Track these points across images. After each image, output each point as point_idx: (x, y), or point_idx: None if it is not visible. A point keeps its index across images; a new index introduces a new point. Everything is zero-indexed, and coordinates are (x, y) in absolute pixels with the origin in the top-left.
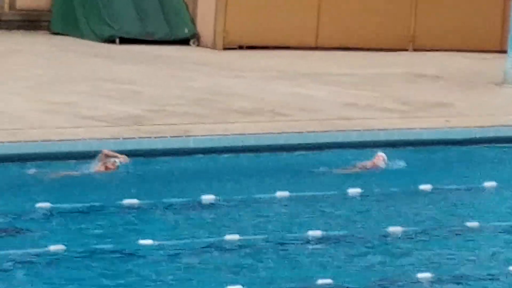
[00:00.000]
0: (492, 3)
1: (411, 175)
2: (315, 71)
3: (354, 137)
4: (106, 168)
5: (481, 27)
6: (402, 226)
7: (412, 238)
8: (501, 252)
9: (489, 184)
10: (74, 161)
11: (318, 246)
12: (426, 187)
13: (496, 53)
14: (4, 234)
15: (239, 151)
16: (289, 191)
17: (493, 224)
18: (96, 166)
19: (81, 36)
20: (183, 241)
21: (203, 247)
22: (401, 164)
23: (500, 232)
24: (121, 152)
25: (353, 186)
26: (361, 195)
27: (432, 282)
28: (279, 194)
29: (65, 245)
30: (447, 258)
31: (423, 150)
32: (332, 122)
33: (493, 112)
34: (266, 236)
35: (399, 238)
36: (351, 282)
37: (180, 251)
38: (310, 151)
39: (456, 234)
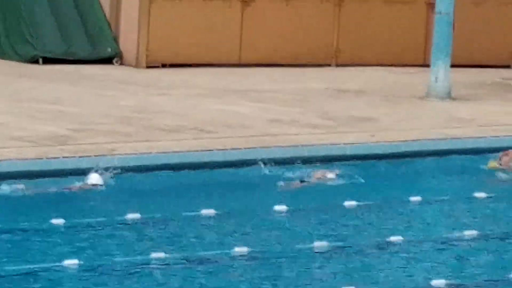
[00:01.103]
0: (415, 18)
1: (338, 190)
2: (239, 88)
3: (279, 153)
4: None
5: (404, 42)
6: (328, 241)
7: (336, 253)
8: (423, 265)
9: (415, 198)
10: None
11: (246, 262)
12: (351, 202)
13: (419, 67)
14: None
15: (163, 168)
16: (215, 209)
17: (418, 238)
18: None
19: (4, 57)
20: (105, 261)
21: (127, 266)
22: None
23: (423, 246)
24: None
25: (280, 203)
26: (287, 211)
27: None
28: (204, 211)
29: None
30: (368, 272)
31: (348, 165)
32: (257, 139)
33: (418, 126)
34: (190, 253)
35: (325, 253)
36: None
37: (106, 270)
38: (234, 167)
39: (379, 249)
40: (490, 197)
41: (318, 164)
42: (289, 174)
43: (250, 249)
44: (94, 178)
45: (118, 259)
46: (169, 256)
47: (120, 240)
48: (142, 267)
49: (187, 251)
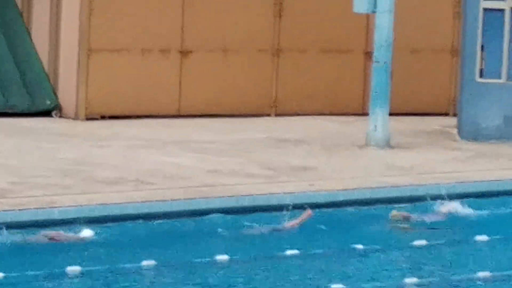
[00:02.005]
0: (353, 67)
1: (279, 238)
2: (179, 139)
3: (218, 204)
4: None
5: (343, 91)
6: None
7: None
8: None
9: (355, 246)
10: None
11: None
12: (293, 251)
13: (358, 116)
14: None
15: (103, 220)
16: (155, 260)
17: (359, 286)
18: None
19: None
20: None
21: None
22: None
23: None
24: None
25: (220, 252)
26: (230, 260)
27: None
28: (146, 263)
29: None
30: None
31: (287, 215)
32: (197, 189)
33: (356, 174)
34: None
35: None
36: None
37: None
38: (175, 218)
39: None
40: (431, 245)
41: (258, 214)
42: (230, 223)
43: None
44: (86, 232)
45: None
46: None
47: None
48: None
49: None
